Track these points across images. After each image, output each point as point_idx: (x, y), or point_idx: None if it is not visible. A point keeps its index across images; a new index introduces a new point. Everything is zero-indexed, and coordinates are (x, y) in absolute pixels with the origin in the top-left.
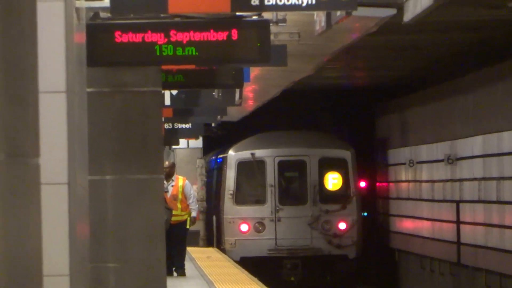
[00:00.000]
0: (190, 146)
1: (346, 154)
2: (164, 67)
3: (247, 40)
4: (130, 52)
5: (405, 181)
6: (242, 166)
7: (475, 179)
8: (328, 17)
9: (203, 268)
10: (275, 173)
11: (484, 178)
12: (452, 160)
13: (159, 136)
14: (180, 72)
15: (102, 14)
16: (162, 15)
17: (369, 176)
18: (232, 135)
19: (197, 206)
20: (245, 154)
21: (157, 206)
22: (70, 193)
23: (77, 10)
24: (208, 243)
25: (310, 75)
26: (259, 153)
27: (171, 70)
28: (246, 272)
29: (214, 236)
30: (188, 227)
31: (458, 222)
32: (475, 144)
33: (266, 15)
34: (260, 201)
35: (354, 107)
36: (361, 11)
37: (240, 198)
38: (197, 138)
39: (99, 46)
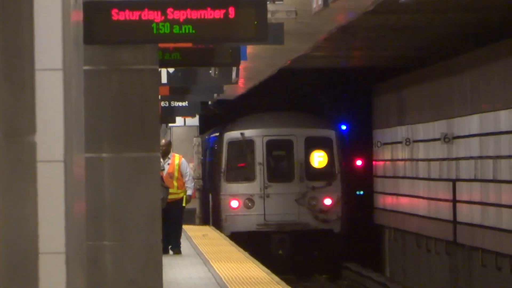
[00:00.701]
0: (186, 124)
1: (331, 134)
2: (161, 45)
3: (244, 18)
4: (127, 30)
5: (402, 159)
6: (232, 145)
7: (472, 157)
8: None
9: (199, 246)
10: (263, 152)
11: (480, 157)
12: (448, 139)
13: (156, 114)
14: (177, 50)
15: None
16: None
17: (366, 155)
18: (230, 114)
19: (193, 184)
20: (235, 134)
21: (154, 184)
22: (67, 171)
23: None
24: (204, 221)
25: (306, 54)
26: (249, 133)
27: (168, 48)
28: (241, 250)
29: (210, 214)
30: (184, 205)
31: (454, 201)
32: (471, 123)
33: None
34: (250, 178)
35: (351, 87)
36: None
37: (230, 176)
38: (193, 116)
39: (95, 24)
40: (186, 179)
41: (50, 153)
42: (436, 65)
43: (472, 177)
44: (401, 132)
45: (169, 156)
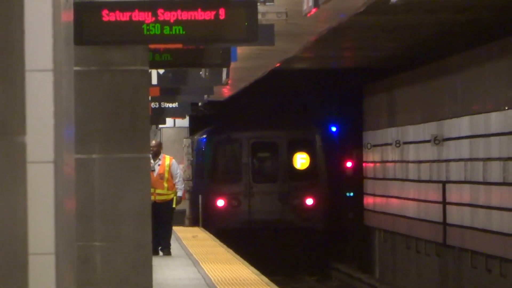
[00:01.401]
0: (176, 125)
1: (314, 136)
2: (151, 46)
3: (235, 20)
4: (117, 31)
5: (392, 161)
6: (219, 146)
7: (462, 159)
8: None
9: (189, 248)
10: (249, 154)
11: (470, 159)
12: (438, 140)
13: (147, 115)
14: (167, 51)
15: None
16: None
17: (355, 156)
18: (219, 115)
19: (183, 185)
20: (222, 136)
21: (144, 185)
22: (57, 172)
23: None
24: (194, 222)
25: (297, 55)
26: (235, 135)
27: (158, 49)
28: (231, 251)
29: (200, 215)
30: (174, 206)
31: (444, 202)
32: (462, 124)
33: None
34: (236, 179)
35: (342, 88)
36: None
37: (217, 176)
38: (183, 117)
39: (86, 24)
40: (176, 180)
41: (40, 154)
42: (427, 66)
43: (462, 179)
44: (391, 133)
45: (160, 157)
